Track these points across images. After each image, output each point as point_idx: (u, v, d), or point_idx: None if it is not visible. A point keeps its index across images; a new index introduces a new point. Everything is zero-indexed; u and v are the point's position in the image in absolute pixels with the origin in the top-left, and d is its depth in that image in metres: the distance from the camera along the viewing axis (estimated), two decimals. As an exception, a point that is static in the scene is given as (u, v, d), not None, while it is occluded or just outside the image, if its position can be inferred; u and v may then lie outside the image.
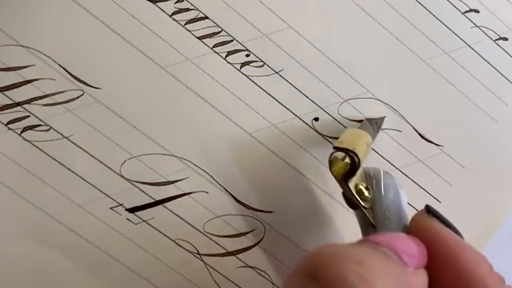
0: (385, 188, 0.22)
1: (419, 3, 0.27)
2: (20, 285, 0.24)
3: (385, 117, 0.27)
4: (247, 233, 0.26)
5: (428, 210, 0.21)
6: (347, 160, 0.22)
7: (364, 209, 0.22)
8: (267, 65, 0.25)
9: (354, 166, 0.21)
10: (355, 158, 0.21)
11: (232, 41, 0.25)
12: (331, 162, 0.22)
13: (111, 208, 0.24)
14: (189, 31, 0.25)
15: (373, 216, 0.22)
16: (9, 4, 0.23)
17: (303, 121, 0.26)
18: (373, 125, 0.25)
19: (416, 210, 0.27)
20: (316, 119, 0.26)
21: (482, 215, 0.28)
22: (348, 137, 0.23)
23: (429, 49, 0.27)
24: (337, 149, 0.22)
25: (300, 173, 0.26)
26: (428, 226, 0.20)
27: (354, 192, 0.22)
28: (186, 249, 0.25)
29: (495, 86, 0.28)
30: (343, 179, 0.22)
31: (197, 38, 0.25)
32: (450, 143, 0.27)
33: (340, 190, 0.23)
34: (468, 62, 0.27)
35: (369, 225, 0.22)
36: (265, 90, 0.25)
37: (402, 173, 0.27)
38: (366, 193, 0.22)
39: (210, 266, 0.25)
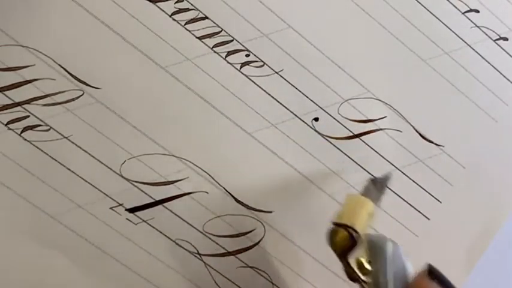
0: (389, 260, 0.20)
1: (419, 3, 0.27)
2: (20, 285, 0.24)
3: (391, 173, 0.26)
4: (247, 233, 0.26)
5: (430, 271, 0.20)
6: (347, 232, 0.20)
7: (364, 284, 0.20)
8: (267, 65, 0.25)
9: (354, 243, 0.20)
10: (354, 234, 0.20)
11: (232, 41, 0.25)
12: (331, 236, 0.20)
13: (111, 208, 0.24)
14: (189, 31, 0.25)
15: None
16: (9, 4, 0.23)
17: (303, 121, 0.26)
18: (377, 185, 0.24)
19: (419, 212, 0.27)
20: (316, 119, 0.26)
21: (482, 215, 0.28)
22: (348, 208, 0.21)
23: (429, 49, 0.27)
24: (336, 224, 0.20)
25: (300, 173, 0.26)
26: None
27: (354, 267, 0.20)
28: (186, 249, 0.25)
29: (495, 86, 0.28)
30: (343, 255, 0.20)
31: (197, 38, 0.25)
32: (450, 143, 0.27)
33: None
34: (468, 62, 0.27)
35: None
36: (265, 90, 0.25)
37: (402, 173, 0.27)
38: (368, 266, 0.20)
39: (210, 266, 0.25)
